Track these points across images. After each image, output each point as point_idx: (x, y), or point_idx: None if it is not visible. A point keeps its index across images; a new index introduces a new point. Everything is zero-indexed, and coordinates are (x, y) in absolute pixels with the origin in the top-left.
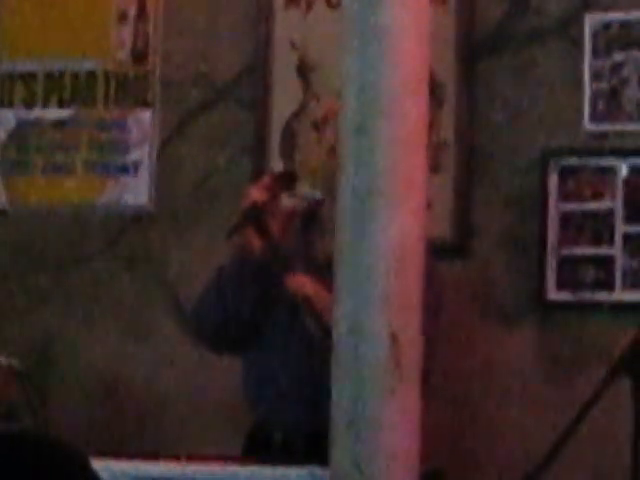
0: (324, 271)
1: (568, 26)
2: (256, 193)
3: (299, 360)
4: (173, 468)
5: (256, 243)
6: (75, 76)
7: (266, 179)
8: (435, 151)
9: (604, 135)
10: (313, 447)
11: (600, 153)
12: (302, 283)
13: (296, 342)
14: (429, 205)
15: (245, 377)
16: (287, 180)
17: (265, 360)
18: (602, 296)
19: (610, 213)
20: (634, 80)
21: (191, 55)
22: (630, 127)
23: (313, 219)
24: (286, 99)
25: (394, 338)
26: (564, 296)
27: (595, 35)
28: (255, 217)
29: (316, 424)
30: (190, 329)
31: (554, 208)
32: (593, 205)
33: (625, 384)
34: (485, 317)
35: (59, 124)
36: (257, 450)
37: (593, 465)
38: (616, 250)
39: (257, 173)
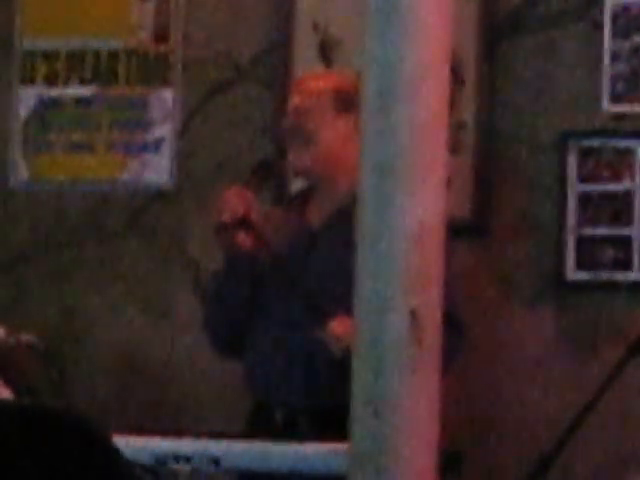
0: None
1: (588, 8)
2: (229, 211)
3: (299, 338)
4: (193, 445)
5: (244, 240)
6: (97, 55)
7: (236, 190)
8: (455, 132)
9: (623, 116)
10: (318, 425)
11: (619, 134)
12: (345, 332)
13: (296, 320)
14: (448, 185)
15: (244, 357)
16: (264, 173)
17: (264, 339)
18: (620, 276)
19: (628, 194)
20: None
21: (213, 34)
22: None
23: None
24: None
25: (414, 315)
26: (583, 276)
27: (615, 17)
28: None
29: (319, 402)
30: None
31: (573, 189)
32: (612, 186)
33: None
34: (504, 297)
35: (81, 102)
36: (258, 430)
37: (610, 444)
38: (634, 231)
39: (277, 152)
